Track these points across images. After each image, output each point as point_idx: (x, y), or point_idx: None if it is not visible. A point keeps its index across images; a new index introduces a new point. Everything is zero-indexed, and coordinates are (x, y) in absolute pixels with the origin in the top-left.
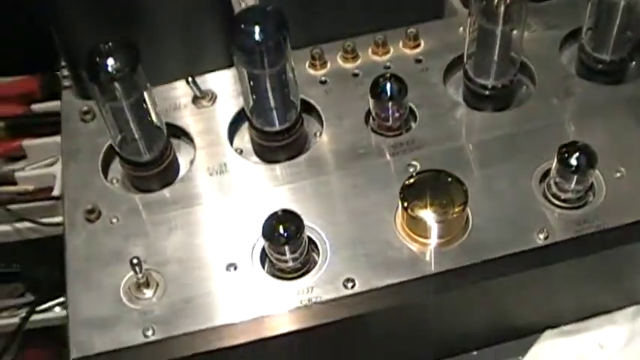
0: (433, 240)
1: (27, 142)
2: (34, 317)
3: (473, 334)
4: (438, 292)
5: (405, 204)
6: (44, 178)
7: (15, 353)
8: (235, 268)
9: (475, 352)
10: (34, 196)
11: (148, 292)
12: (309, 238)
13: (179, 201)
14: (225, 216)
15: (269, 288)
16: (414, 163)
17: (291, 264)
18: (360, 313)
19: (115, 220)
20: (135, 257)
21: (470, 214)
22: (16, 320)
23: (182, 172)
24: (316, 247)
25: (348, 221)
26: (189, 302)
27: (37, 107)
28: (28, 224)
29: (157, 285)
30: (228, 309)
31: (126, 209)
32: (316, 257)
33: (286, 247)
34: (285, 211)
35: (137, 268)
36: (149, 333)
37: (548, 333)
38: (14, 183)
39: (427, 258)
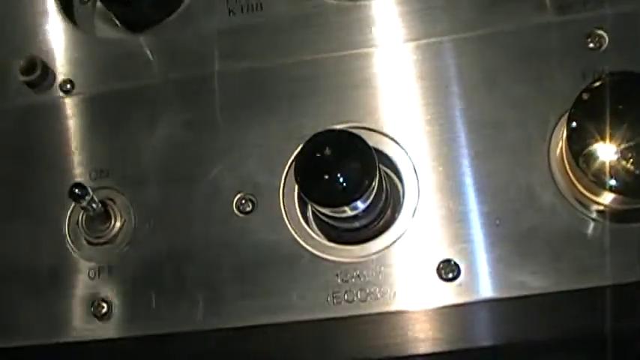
0: (612, 202)
1: None
2: None
3: None
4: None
5: (576, 138)
6: None
7: None
8: (252, 208)
9: None
10: None
11: (107, 232)
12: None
13: (181, 54)
14: (250, 105)
15: (304, 251)
16: (599, 32)
17: (346, 224)
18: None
19: (69, 87)
20: (76, 185)
21: None
22: None
23: None
24: (396, 178)
25: (471, 136)
26: (169, 260)
27: None
28: None
29: (123, 221)
30: (232, 280)
31: (88, 63)
32: (396, 198)
33: (344, 208)
34: (342, 135)
35: (82, 201)
36: (103, 310)
37: None
38: None
39: (598, 235)
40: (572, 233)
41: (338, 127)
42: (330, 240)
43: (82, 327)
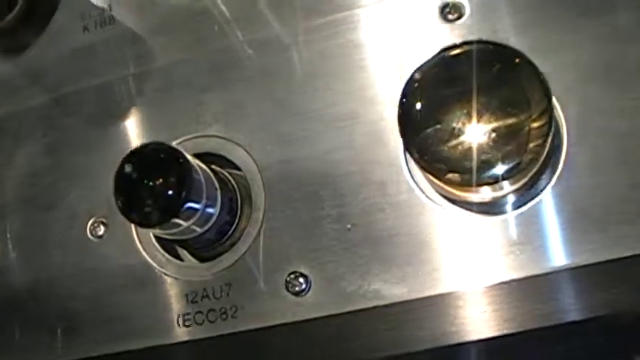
0: (474, 195)
1: None
2: None
3: None
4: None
5: (408, 127)
6: None
7: None
8: (105, 231)
9: None
10: None
11: None
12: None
13: (41, 77)
14: (104, 123)
15: (155, 274)
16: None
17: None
18: None
19: None
20: None
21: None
22: None
23: None
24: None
25: (324, 132)
26: (31, 290)
27: None
28: None
29: None
30: (88, 308)
31: None
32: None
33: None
34: (151, 150)
35: None
36: None
37: None
38: None
39: (462, 233)
40: (430, 234)
41: (177, 140)
42: (198, 258)
43: None
